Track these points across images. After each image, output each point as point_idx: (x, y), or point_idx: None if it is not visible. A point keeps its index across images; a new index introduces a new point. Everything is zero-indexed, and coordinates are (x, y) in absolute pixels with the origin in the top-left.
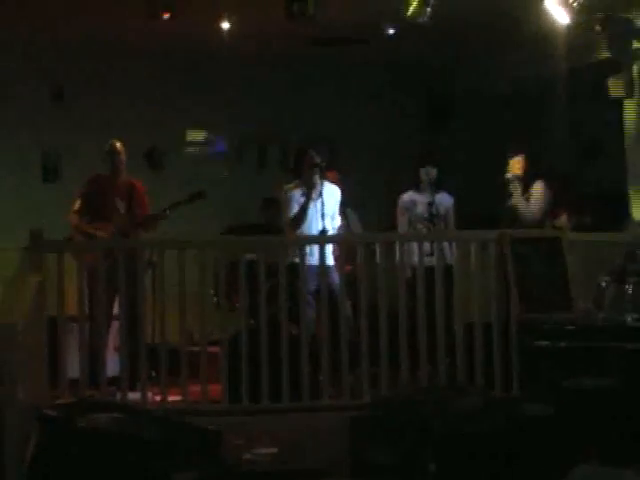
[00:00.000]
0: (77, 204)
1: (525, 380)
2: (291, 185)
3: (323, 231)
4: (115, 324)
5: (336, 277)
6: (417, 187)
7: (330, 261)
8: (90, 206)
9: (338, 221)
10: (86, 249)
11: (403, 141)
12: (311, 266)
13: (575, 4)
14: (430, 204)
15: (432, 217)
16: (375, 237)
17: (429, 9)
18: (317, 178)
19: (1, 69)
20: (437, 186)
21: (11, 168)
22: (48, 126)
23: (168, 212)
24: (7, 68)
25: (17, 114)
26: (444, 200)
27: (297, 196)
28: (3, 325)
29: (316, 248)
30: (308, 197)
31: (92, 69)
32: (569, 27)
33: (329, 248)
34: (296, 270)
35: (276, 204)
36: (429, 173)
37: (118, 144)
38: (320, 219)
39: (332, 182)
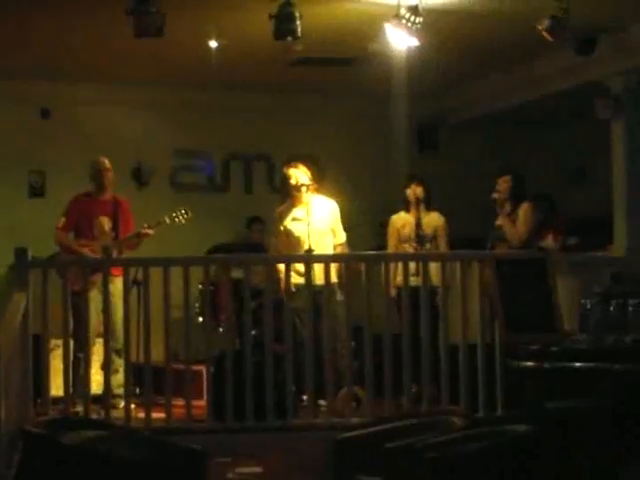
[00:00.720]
0: (62, 221)
1: (509, 401)
2: (281, 207)
3: (309, 251)
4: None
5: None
6: (406, 208)
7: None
8: (75, 223)
9: (342, 236)
10: (71, 267)
11: (390, 162)
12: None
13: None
14: (418, 225)
15: (419, 237)
16: (360, 257)
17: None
18: (305, 196)
19: None
20: (426, 206)
21: None
22: (34, 143)
23: (152, 231)
24: None
25: (3, 131)
26: (433, 220)
27: (286, 220)
28: None
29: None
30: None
31: (79, 87)
32: (553, 49)
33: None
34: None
35: (262, 223)
36: (415, 192)
37: (106, 161)
38: (307, 238)
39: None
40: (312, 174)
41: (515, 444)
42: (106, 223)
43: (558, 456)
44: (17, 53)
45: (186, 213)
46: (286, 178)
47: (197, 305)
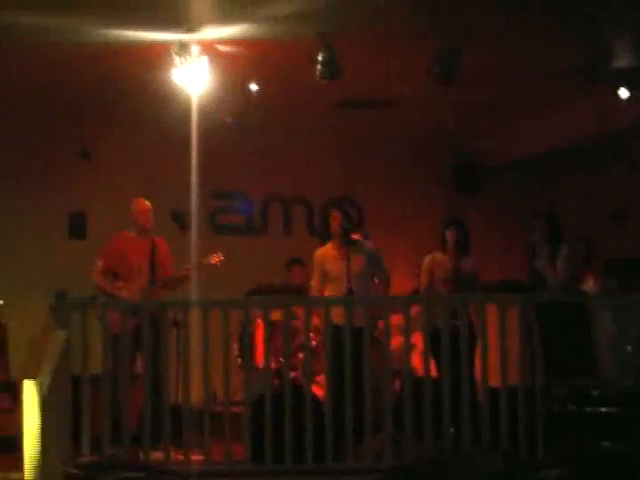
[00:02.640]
0: (100, 264)
1: (550, 445)
2: (321, 249)
3: (349, 293)
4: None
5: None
6: (443, 249)
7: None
8: (113, 265)
9: (384, 276)
10: (110, 308)
11: (429, 205)
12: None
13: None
14: (454, 268)
15: (455, 280)
16: (400, 299)
17: None
18: (345, 239)
19: (29, 128)
20: (462, 249)
21: (38, 225)
22: (75, 184)
23: (190, 270)
24: (35, 127)
25: (44, 172)
26: (469, 264)
27: (325, 260)
28: (30, 385)
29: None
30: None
31: (120, 129)
32: (590, 91)
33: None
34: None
35: (301, 264)
36: (454, 235)
37: (146, 202)
38: (346, 280)
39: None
40: (352, 217)
41: None
42: (144, 265)
43: None
44: (58, 95)
45: (221, 256)
46: (328, 220)
47: (236, 347)
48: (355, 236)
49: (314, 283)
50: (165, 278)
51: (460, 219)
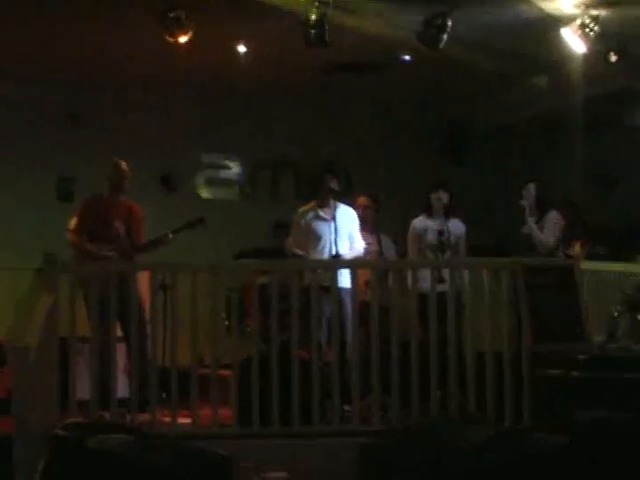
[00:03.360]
0: (74, 223)
1: (537, 411)
2: (305, 207)
3: (336, 255)
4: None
5: (349, 301)
6: (429, 213)
7: (345, 284)
8: (89, 225)
9: (360, 243)
10: (98, 272)
11: (416, 168)
12: (325, 288)
13: (591, 33)
14: (441, 232)
15: (442, 244)
16: (387, 263)
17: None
18: (332, 202)
19: (17, 93)
20: (449, 213)
21: (27, 190)
22: (63, 148)
23: (171, 236)
24: (23, 91)
25: (33, 137)
26: (456, 227)
27: (309, 217)
28: (16, 346)
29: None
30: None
31: (108, 93)
32: (585, 56)
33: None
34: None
35: (288, 229)
36: (440, 198)
37: (123, 164)
38: (333, 243)
39: (349, 206)
40: (340, 181)
41: (541, 455)
42: (121, 227)
43: (586, 468)
44: (48, 58)
45: (201, 220)
46: (316, 183)
47: (224, 310)
48: (360, 200)
49: (291, 240)
50: (146, 244)
51: (446, 182)
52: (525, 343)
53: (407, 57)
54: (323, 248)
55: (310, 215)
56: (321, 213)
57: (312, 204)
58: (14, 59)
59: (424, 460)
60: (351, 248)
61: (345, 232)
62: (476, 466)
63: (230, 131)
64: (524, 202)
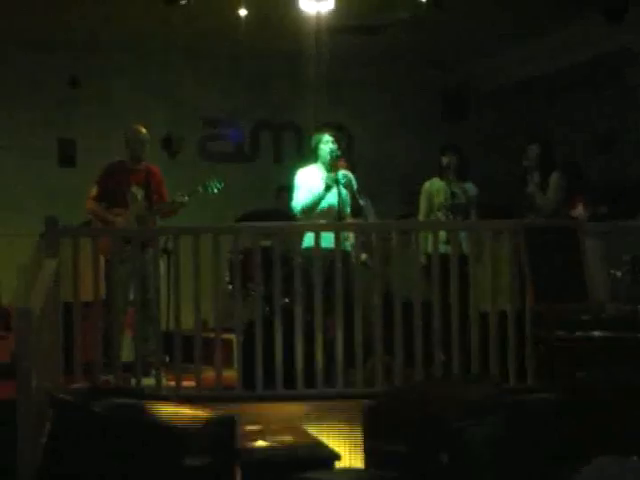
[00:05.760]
0: (94, 190)
1: (539, 370)
2: (308, 169)
3: (340, 217)
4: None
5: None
6: (441, 176)
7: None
8: (107, 192)
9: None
10: (102, 235)
11: (419, 131)
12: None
13: None
14: (452, 194)
15: (452, 206)
16: (391, 225)
17: None
18: (334, 166)
19: (18, 57)
20: (461, 175)
21: (28, 154)
22: (65, 112)
23: (186, 199)
24: (24, 56)
25: (33, 101)
26: (468, 190)
27: (312, 180)
28: (20, 310)
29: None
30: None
31: (108, 56)
32: (582, 16)
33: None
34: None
35: (291, 191)
36: (451, 160)
37: (143, 130)
38: (336, 205)
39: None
40: (341, 143)
41: (543, 413)
42: (139, 192)
43: (588, 425)
44: (47, 22)
45: (219, 183)
46: (319, 145)
47: (227, 273)
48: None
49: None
50: (160, 205)
51: (457, 145)
52: (528, 303)
53: (406, 18)
54: (327, 213)
55: (313, 179)
56: (324, 179)
57: (314, 168)
58: (15, 23)
59: (426, 418)
60: (357, 211)
61: (348, 195)
62: (477, 423)
63: (231, 94)
64: (527, 163)
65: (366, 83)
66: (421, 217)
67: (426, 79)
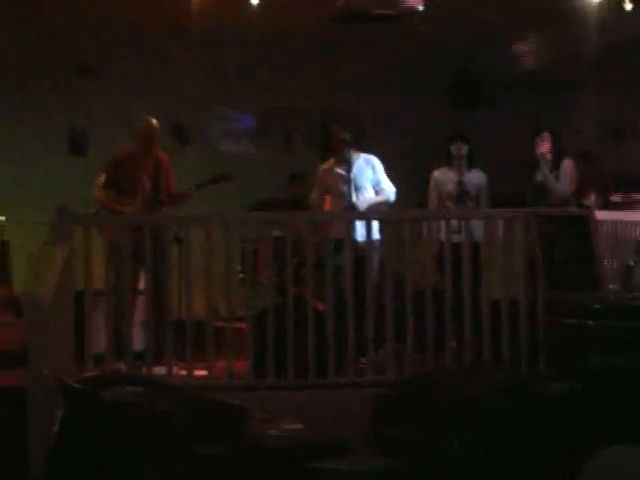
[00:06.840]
0: (103, 178)
1: (551, 358)
2: (325, 165)
3: (351, 207)
4: (141, 299)
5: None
6: (449, 164)
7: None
8: (116, 181)
9: (389, 187)
10: (112, 224)
11: (431, 119)
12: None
13: None
14: (460, 182)
15: (462, 195)
16: (403, 214)
17: None
18: (349, 153)
19: (29, 45)
20: (469, 163)
21: (38, 143)
22: (75, 101)
23: (194, 190)
24: (35, 44)
25: (44, 89)
26: (476, 178)
27: (327, 175)
28: (29, 297)
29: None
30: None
31: (120, 44)
32: (600, 4)
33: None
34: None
35: (302, 180)
36: (460, 149)
37: (154, 122)
38: (347, 195)
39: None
40: (354, 131)
41: (555, 401)
42: (147, 182)
43: (600, 414)
44: (58, 10)
45: (227, 176)
46: (328, 134)
47: (239, 263)
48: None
49: (314, 196)
50: (169, 195)
51: (465, 133)
52: (540, 292)
53: (420, 7)
54: (341, 203)
55: (328, 173)
56: (338, 170)
57: (331, 161)
58: (25, 11)
59: (437, 405)
60: (380, 193)
61: (367, 181)
62: (488, 410)
63: (241, 81)
64: (538, 151)
65: (379, 71)
66: (430, 206)
67: (439, 67)
